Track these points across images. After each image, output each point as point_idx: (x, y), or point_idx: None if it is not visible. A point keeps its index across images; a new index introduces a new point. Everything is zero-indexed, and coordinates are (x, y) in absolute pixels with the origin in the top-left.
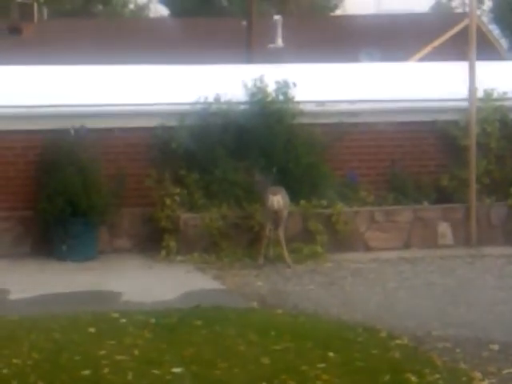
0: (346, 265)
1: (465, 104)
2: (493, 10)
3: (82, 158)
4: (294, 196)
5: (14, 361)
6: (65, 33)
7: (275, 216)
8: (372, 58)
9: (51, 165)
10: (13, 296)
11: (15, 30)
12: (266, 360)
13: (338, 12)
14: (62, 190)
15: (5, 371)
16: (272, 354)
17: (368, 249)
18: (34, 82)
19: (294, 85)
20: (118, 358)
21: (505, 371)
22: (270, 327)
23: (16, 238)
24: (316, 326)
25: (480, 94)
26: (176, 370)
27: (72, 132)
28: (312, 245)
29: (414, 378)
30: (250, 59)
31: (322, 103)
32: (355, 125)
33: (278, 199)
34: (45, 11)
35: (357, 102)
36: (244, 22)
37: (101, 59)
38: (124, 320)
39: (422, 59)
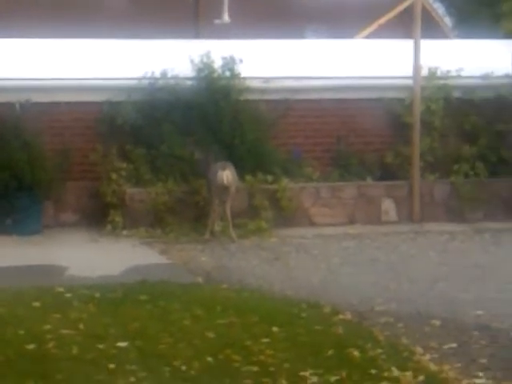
0: (290, 240)
1: (409, 82)
2: None
3: (27, 132)
4: (240, 172)
5: None
6: (11, 3)
7: (224, 191)
8: (318, 35)
9: None
10: None
11: None
12: (210, 335)
13: None
14: (6, 164)
15: None
16: (217, 328)
17: (313, 225)
18: None
19: (241, 61)
20: (63, 332)
21: (445, 346)
22: (214, 302)
23: None
24: (260, 302)
25: (425, 72)
26: (121, 344)
27: (17, 106)
28: (257, 220)
29: (356, 353)
30: (196, 34)
31: (267, 79)
32: (301, 101)
33: (227, 174)
34: None
35: (303, 79)
36: None
37: (48, 32)
38: (69, 294)
39: (368, 36)
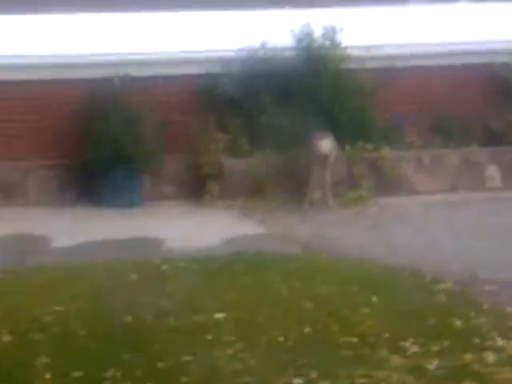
0: (391, 209)
1: None
2: None
3: (125, 106)
4: (340, 141)
5: (56, 308)
6: None
7: (323, 160)
8: (421, 1)
9: (96, 113)
10: (56, 243)
11: None
12: (308, 305)
13: None
14: (106, 137)
15: (47, 318)
16: (315, 298)
17: (414, 192)
18: (77, 30)
19: (341, 30)
20: (160, 303)
21: None
22: (313, 272)
23: (61, 186)
24: (360, 271)
25: None
26: (218, 315)
27: (116, 80)
28: (357, 189)
29: (459, 322)
30: (295, 3)
31: (369, 48)
32: (403, 69)
33: (326, 143)
34: None
35: (405, 46)
36: None
37: (143, 6)
38: (166, 266)
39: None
